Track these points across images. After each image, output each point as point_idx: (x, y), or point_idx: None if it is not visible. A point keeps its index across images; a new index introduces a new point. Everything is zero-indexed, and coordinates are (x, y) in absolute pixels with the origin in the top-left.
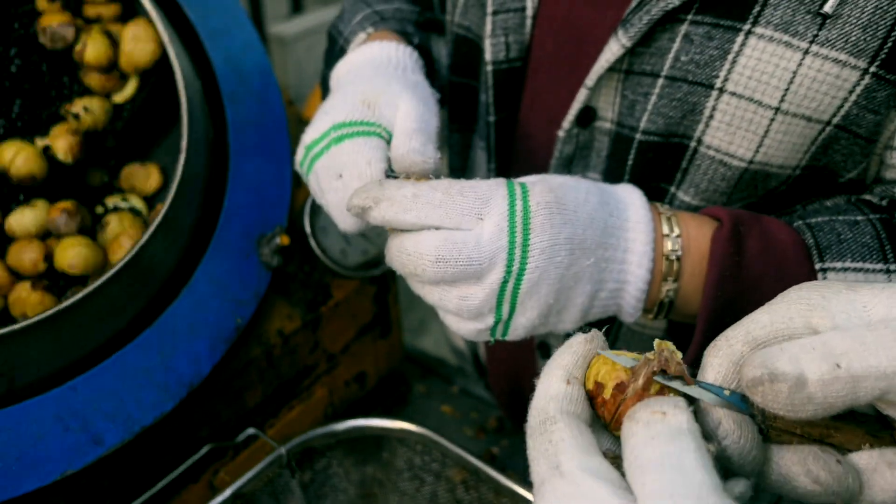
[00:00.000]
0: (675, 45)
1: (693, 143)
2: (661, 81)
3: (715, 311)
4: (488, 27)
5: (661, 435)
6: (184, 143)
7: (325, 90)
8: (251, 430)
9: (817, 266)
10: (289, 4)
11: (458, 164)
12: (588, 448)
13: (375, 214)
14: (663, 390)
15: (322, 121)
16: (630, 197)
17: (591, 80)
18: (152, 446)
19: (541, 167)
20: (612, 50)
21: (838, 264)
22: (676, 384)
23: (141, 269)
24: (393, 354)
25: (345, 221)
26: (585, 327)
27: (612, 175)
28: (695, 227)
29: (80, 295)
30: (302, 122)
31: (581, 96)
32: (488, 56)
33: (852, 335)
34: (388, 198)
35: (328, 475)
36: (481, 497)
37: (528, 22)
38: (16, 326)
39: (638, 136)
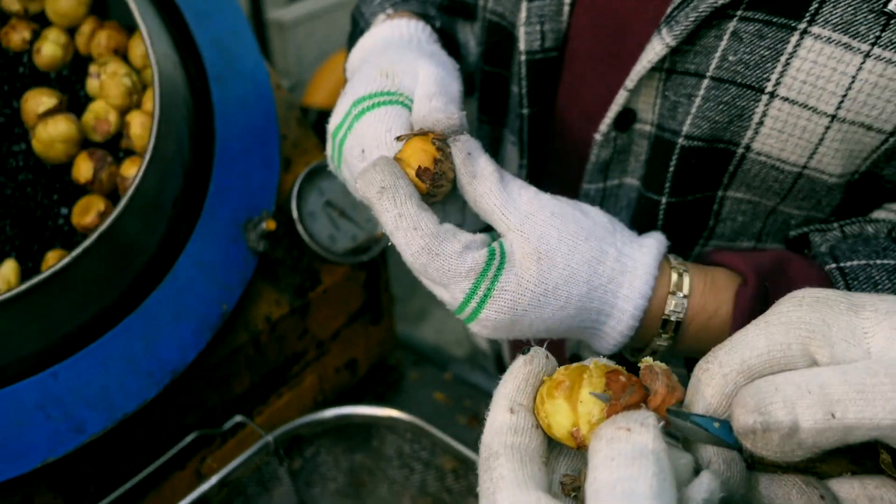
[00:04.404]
0: (723, 44)
1: (741, 150)
2: (706, 83)
3: None
4: (523, 14)
5: (620, 455)
6: (156, 102)
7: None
8: (238, 418)
9: None
10: None
11: None
12: (526, 483)
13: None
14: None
15: (342, 103)
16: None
17: (631, 81)
18: (137, 433)
19: (575, 170)
20: (655, 49)
21: None
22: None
23: (118, 243)
24: (385, 341)
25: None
26: (525, 348)
27: (652, 182)
28: (706, 292)
29: (55, 268)
30: (292, 107)
31: (620, 99)
32: (522, 45)
33: (851, 380)
34: (379, 212)
35: (317, 463)
36: (471, 486)
37: (566, 10)
38: None
39: (680, 140)
